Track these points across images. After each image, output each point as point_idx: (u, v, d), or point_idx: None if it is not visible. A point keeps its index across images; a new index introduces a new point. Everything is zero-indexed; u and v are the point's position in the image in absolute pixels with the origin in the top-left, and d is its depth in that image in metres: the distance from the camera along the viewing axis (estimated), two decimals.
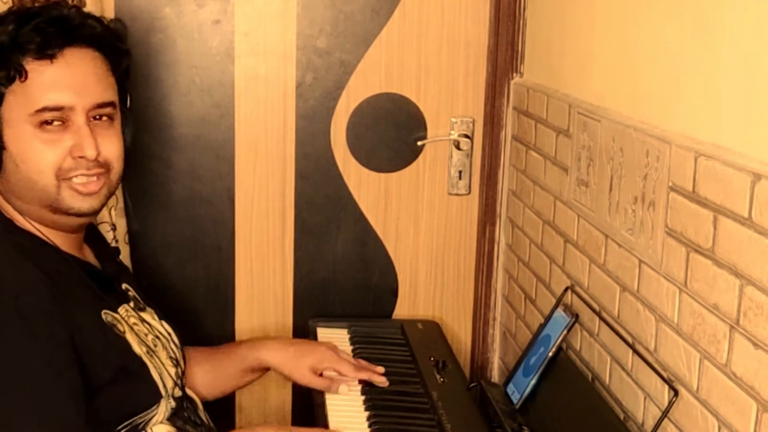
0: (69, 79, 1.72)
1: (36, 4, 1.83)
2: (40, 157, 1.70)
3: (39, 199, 1.73)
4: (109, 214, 2.34)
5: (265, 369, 2.20)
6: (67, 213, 1.74)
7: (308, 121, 2.56)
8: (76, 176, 1.72)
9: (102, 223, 2.34)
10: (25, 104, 1.69)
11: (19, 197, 1.74)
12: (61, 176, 1.71)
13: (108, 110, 1.77)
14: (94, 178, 1.74)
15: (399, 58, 2.55)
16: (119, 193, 2.35)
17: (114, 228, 2.37)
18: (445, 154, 2.61)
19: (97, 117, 1.75)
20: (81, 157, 1.72)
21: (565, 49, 2.16)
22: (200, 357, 2.14)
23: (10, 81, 1.68)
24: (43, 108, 1.69)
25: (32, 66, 1.69)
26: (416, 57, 2.55)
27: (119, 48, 1.84)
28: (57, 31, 1.72)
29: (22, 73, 1.69)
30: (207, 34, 2.49)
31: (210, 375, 2.13)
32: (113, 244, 2.31)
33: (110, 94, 1.78)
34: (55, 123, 1.71)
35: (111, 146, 1.77)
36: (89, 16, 1.81)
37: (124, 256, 2.40)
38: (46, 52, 1.70)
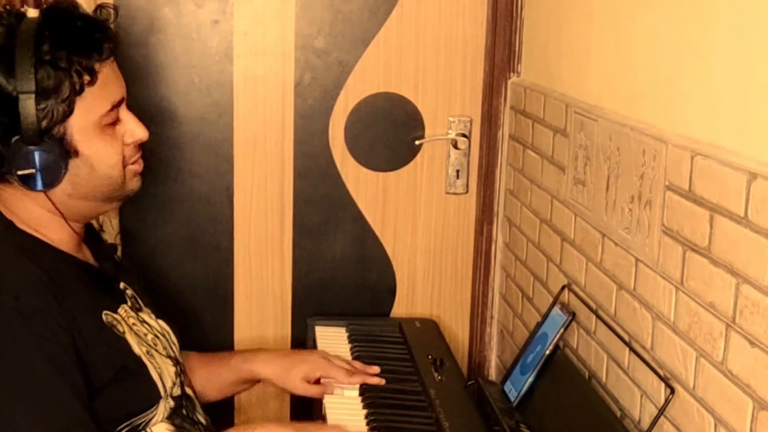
0: (117, 72, 1.80)
1: (24, 6, 1.83)
2: (111, 152, 1.76)
3: (109, 194, 1.80)
4: None
5: (258, 380, 2.20)
6: (128, 197, 1.86)
7: (307, 120, 2.56)
8: (135, 161, 1.82)
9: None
10: (97, 107, 1.72)
11: (84, 197, 1.76)
12: (125, 164, 1.80)
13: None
14: (140, 158, 1.85)
15: (397, 58, 2.54)
16: None
17: (101, 228, 2.36)
18: (443, 154, 2.61)
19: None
20: (133, 143, 1.80)
21: (562, 49, 2.16)
22: (195, 363, 2.13)
23: (81, 89, 1.69)
24: (112, 106, 1.75)
25: (98, 67, 1.72)
26: (414, 57, 2.55)
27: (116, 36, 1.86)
28: (97, 30, 1.75)
29: (94, 77, 1.71)
30: (206, 34, 2.49)
31: (204, 382, 2.12)
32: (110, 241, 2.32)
33: None
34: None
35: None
36: (95, 11, 1.84)
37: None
38: (105, 50, 1.74)
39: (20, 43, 1.66)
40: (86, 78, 1.69)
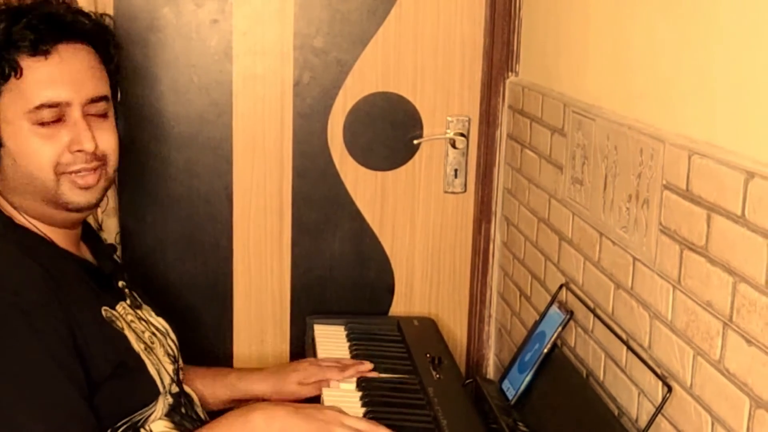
0: (64, 74, 1.72)
1: (27, 1, 1.83)
2: (38, 153, 1.70)
3: (38, 195, 1.72)
4: (95, 213, 2.32)
5: (256, 399, 2.17)
6: (67, 208, 1.74)
7: (305, 119, 2.56)
8: (74, 170, 1.72)
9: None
10: (22, 101, 1.69)
11: (18, 194, 1.73)
12: (60, 171, 1.71)
13: (102, 104, 1.77)
14: (92, 172, 1.75)
15: (395, 58, 2.54)
16: (111, 192, 2.35)
17: (100, 228, 2.36)
18: (441, 153, 2.61)
19: (92, 111, 1.76)
20: (79, 151, 1.72)
21: (560, 49, 2.16)
22: (192, 376, 2.10)
23: (5, 78, 1.68)
24: (40, 105, 1.69)
25: (27, 63, 1.69)
26: (412, 56, 2.55)
27: (109, 41, 1.83)
28: (49, 27, 1.71)
29: (17, 70, 1.68)
30: (205, 33, 2.49)
31: (200, 395, 2.10)
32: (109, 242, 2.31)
33: (103, 88, 1.79)
34: (52, 118, 1.71)
35: (107, 139, 1.77)
36: (79, 11, 1.81)
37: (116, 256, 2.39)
38: (40, 48, 1.69)
39: None
40: (8, 70, 1.68)
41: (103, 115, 1.78)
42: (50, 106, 1.70)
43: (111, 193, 2.36)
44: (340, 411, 1.81)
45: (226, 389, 2.15)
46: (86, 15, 1.81)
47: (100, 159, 1.76)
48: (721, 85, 1.42)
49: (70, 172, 1.72)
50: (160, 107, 2.50)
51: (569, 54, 2.10)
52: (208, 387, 2.13)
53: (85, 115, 1.73)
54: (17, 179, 1.72)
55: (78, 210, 1.76)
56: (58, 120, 1.71)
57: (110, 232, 2.40)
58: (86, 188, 1.74)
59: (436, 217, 2.65)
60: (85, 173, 1.73)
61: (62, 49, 1.72)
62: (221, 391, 2.15)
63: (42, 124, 1.70)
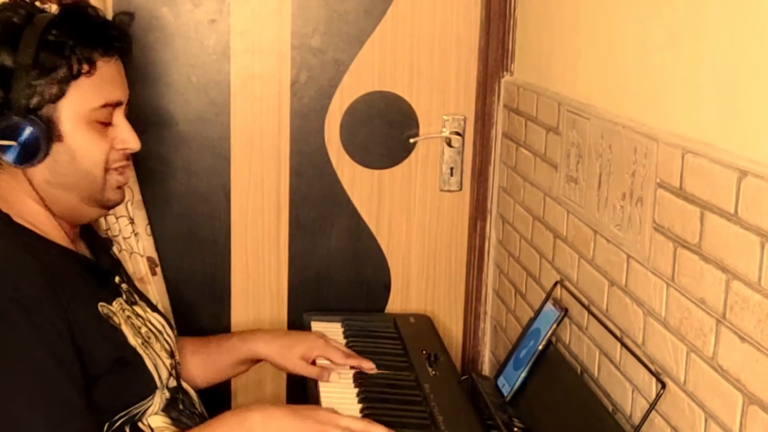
0: (121, 75, 1.80)
1: (48, 3, 1.86)
2: (96, 150, 1.75)
3: (84, 191, 1.76)
4: (126, 207, 2.36)
5: (257, 360, 2.20)
6: (106, 206, 1.83)
7: (303, 118, 2.55)
8: (117, 167, 1.79)
9: (121, 216, 2.35)
10: (89, 98, 1.72)
11: (62, 188, 1.75)
12: (107, 168, 1.77)
13: (127, 107, 1.84)
14: (127, 170, 1.84)
15: (392, 57, 2.54)
16: (135, 186, 2.39)
17: (132, 221, 2.38)
18: (437, 152, 2.60)
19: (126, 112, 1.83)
20: (122, 149, 1.79)
21: (554, 49, 2.15)
22: (193, 347, 2.14)
23: (77, 75, 1.70)
24: (105, 104, 1.74)
25: (100, 62, 1.73)
26: (409, 56, 2.54)
27: (131, 49, 1.87)
28: (113, 30, 1.78)
29: (92, 68, 1.71)
30: (203, 33, 2.49)
31: (203, 365, 2.13)
32: (131, 238, 2.37)
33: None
34: (107, 118, 1.77)
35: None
36: (120, 13, 1.88)
37: (149, 247, 2.43)
38: (114, 47, 1.76)
39: (32, 25, 1.70)
40: (84, 67, 1.70)
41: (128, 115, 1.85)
42: (111, 105, 1.76)
43: (135, 187, 2.39)
44: (336, 412, 1.81)
45: (230, 353, 2.17)
46: (116, 17, 1.87)
47: (131, 158, 1.85)
48: (714, 85, 1.42)
49: (115, 169, 1.79)
50: (159, 106, 2.49)
51: (562, 53, 2.09)
52: (213, 354, 2.15)
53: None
54: (69, 175, 1.74)
55: (113, 207, 1.86)
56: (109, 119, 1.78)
57: (139, 223, 2.41)
58: (122, 186, 1.82)
59: (432, 215, 2.65)
60: (124, 170, 1.82)
61: (113, 47, 1.78)
62: (225, 356, 2.17)
63: (99, 122, 1.75)
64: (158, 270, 2.46)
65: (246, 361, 2.20)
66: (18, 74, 1.66)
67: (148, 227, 2.43)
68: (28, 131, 1.67)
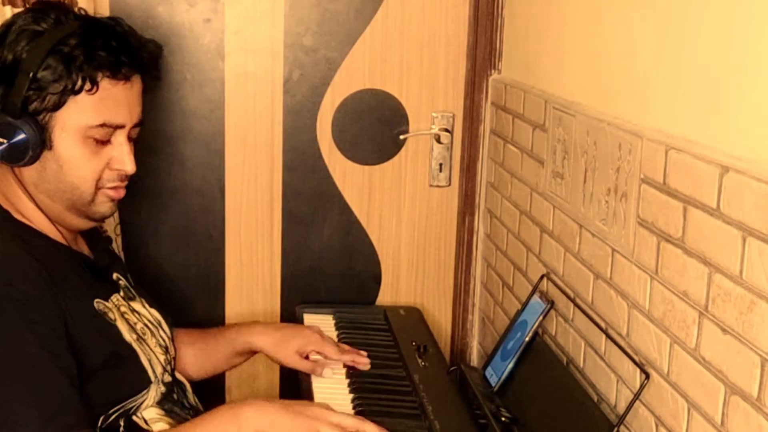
0: (128, 99, 1.76)
1: (27, 5, 1.82)
2: (86, 166, 1.73)
3: (70, 203, 1.75)
4: None
5: (253, 352, 2.19)
6: (94, 218, 1.81)
7: (295, 115, 2.54)
8: (110, 186, 1.77)
9: None
10: (87, 115, 1.70)
11: (48, 195, 1.74)
12: (99, 186, 1.76)
13: (138, 129, 1.82)
14: (121, 189, 1.81)
15: (382, 56, 2.53)
16: None
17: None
18: (427, 148, 2.60)
19: (132, 135, 1.81)
20: (117, 170, 1.77)
21: (540, 47, 2.15)
22: (190, 339, 2.13)
23: (77, 91, 1.68)
24: (102, 123, 1.72)
25: (104, 83, 1.70)
26: (399, 54, 2.53)
27: (157, 76, 1.85)
28: (128, 54, 1.74)
29: (94, 87, 1.69)
30: (198, 32, 2.48)
31: (199, 357, 2.12)
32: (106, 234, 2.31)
33: (141, 114, 1.83)
34: (105, 137, 1.74)
35: (135, 161, 1.81)
36: (146, 41, 1.83)
37: (116, 246, 2.38)
38: (122, 72, 1.72)
39: (53, 30, 1.69)
40: (87, 85, 1.68)
41: (136, 138, 1.83)
42: (110, 126, 1.73)
43: None
44: (328, 408, 1.80)
45: (226, 345, 2.16)
46: (148, 44, 1.82)
47: (128, 178, 1.82)
48: (697, 83, 1.42)
49: (109, 188, 1.77)
50: (155, 104, 2.48)
51: (549, 52, 2.09)
52: (209, 345, 2.14)
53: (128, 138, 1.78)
54: (55, 184, 1.73)
55: (101, 219, 1.84)
56: (107, 138, 1.75)
57: (109, 223, 2.38)
58: (114, 201, 1.81)
59: (422, 210, 2.64)
60: (118, 188, 1.79)
61: (134, 78, 1.76)
62: (221, 347, 2.16)
63: (95, 139, 1.72)
64: None
65: (242, 353, 2.19)
66: (20, 76, 1.66)
67: (118, 227, 2.41)
68: (18, 133, 1.66)
